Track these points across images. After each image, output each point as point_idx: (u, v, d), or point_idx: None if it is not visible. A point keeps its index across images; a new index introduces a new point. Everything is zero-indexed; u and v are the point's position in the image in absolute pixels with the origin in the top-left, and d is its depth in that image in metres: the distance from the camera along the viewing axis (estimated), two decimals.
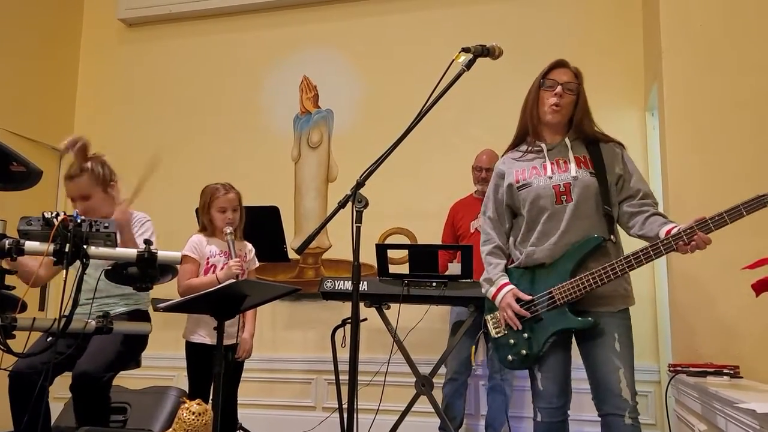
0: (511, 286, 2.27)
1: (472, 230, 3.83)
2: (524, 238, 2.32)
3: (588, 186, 2.24)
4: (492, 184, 2.44)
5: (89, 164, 2.76)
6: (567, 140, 2.32)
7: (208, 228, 3.06)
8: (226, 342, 2.70)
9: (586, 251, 2.20)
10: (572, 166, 2.26)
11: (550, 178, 2.27)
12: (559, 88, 2.26)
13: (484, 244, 2.43)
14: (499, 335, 2.32)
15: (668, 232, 2.12)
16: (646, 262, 2.13)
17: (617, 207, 2.30)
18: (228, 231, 2.92)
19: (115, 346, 2.61)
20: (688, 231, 2.05)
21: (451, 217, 3.95)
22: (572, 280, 2.18)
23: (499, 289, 2.29)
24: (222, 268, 2.94)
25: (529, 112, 2.34)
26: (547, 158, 2.30)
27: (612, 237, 2.26)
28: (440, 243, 3.88)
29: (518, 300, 2.25)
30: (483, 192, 3.89)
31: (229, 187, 3.06)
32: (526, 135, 2.39)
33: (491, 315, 2.35)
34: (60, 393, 3.45)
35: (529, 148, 2.36)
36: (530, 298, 2.24)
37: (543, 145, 2.33)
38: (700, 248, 2.07)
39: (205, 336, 2.92)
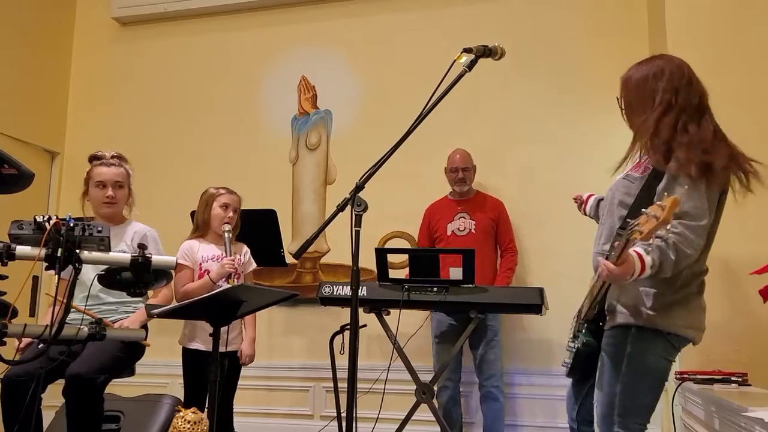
0: None
1: (449, 233, 3.77)
2: None
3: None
4: None
5: (123, 162, 2.92)
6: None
7: (201, 228, 3.04)
8: (224, 349, 2.65)
9: None
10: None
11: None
12: None
13: None
14: (569, 337, 2.17)
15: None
16: None
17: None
18: (226, 228, 2.93)
19: (111, 350, 2.58)
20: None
21: (426, 219, 3.90)
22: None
23: None
24: None
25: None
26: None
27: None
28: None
29: None
30: (459, 193, 3.84)
31: (232, 190, 3.11)
32: None
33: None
34: (52, 401, 3.39)
35: None
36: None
37: None
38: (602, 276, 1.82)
39: (202, 343, 2.88)
